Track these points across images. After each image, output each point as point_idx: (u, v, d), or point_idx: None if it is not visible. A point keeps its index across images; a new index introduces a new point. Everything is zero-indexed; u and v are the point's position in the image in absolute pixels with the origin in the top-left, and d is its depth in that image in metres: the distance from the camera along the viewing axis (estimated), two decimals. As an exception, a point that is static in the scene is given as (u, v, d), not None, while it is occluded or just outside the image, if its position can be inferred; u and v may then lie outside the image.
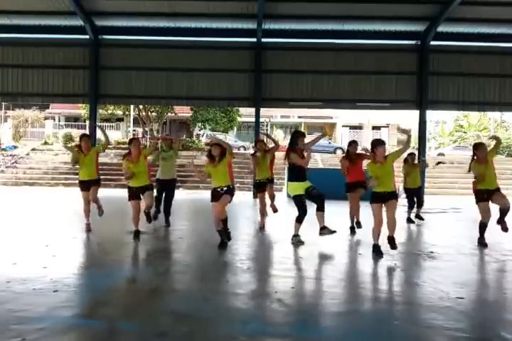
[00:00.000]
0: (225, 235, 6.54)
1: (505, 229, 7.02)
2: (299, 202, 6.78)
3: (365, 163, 7.98)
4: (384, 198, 6.10)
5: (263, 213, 8.46)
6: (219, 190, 6.41)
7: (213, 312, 3.92)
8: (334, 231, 6.77)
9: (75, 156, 7.56)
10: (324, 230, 6.77)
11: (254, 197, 14.71)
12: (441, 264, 5.82)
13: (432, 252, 6.46)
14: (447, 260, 6.06)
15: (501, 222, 7.03)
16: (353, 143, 8.15)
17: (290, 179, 6.89)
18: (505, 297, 4.59)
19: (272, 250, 6.88)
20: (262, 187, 8.31)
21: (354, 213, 8.03)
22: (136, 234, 7.09)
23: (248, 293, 4.55)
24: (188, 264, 5.88)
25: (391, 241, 6.18)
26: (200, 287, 4.73)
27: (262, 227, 8.34)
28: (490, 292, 4.92)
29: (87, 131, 21.64)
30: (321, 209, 6.75)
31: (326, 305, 4.16)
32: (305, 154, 6.83)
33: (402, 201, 9.81)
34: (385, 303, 4.23)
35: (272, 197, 8.48)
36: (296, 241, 6.84)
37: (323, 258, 6.10)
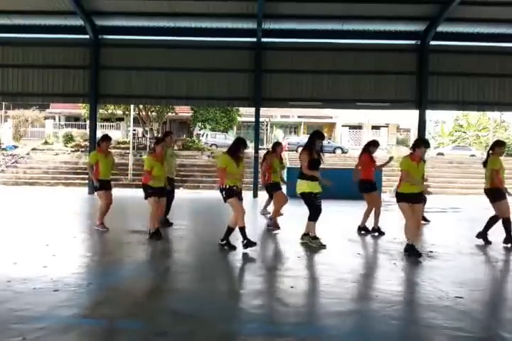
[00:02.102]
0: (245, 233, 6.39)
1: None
2: (311, 199, 6.70)
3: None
4: (411, 199, 6.08)
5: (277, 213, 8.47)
6: (235, 188, 6.32)
7: (213, 312, 3.94)
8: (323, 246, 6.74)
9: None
10: (306, 237, 6.84)
11: (256, 196, 14.77)
12: (441, 264, 5.83)
13: (431, 252, 6.47)
14: (447, 259, 6.08)
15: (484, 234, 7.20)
16: (376, 144, 8.09)
17: (303, 177, 6.75)
18: (504, 296, 4.61)
19: (272, 250, 6.89)
20: (277, 188, 8.37)
21: (369, 214, 7.93)
22: (156, 233, 7.16)
23: (248, 293, 4.57)
24: (188, 264, 5.89)
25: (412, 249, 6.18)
26: (200, 286, 4.74)
27: (275, 226, 8.31)
28: (489, 291, 4.93)
29: (87, 131, 21.66)
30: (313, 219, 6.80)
31: (326, 305, 4.17)
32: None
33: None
34: (385, 303, 4.24)
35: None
36: (318, 245, 6.65)
37: (323, 257, 6.11)
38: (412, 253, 6.11)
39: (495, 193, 7.00)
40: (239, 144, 6.37)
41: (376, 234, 7.82)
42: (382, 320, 3.82)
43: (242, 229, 6.30)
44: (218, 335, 3.48)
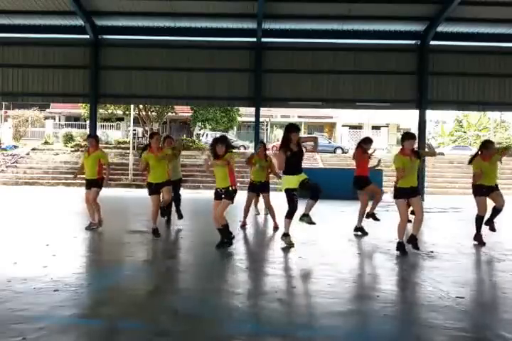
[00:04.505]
0: (225, 234, 6.50)
1: (493, 229, 7.22)
2: (290, 196, 6.59)
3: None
4: (409, 194, 6.19)
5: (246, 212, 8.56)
6: (219, 190, 6.40)
7: (213, 312, 3.93)
8: (313, 223, 6.68)
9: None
10: (305, 217, 6.67)
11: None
12: (441, 264, 5.83)
13: (431, 252, 6.46)
14: (447, 259, 6.07)
15: (490, 222, 7.21)
16: (369, 143, 8.03)
17: (283, 172, 6.68)
18: (505, 296, 4.60)
19: (271, 249, 6.88)
20: (253, 189, 8.48)
21: (364, 211, 7.89)
22: (155, 231, 7.20)
23: (248, 293, 4.56)
24: (188, 264, 5.89)
25: (414, 240, 6.29)
26: (200, 286, 4.74)
27: (243, 226, 8.39)
28: (490, 291, 4.92)
29: (87, 131, 21.66)
30: (314, 198, 6.60)
31: (326, 305, 4.17)
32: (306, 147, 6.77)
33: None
34: (385, 303, 4.23)
35: (270, 209, 8.49)
36: (288, 243, 6.61)
37: (323, 257, 6.10)
38: (402, 251, 6.21)
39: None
40: (213, 144, 6.34)
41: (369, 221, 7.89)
42: (382, 320, 3.81)
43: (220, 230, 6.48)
44: (218, 335, 3.47)
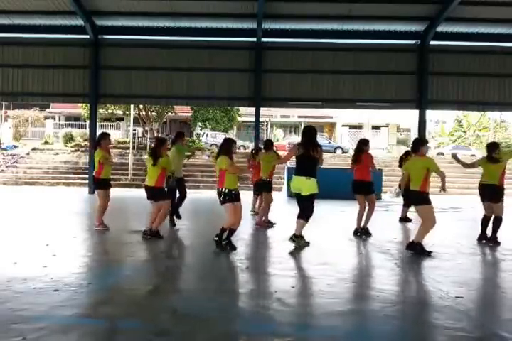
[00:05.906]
0: (221, 236, 6.35)
1: None
2: (313, 201, 6.58)
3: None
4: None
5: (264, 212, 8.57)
6: (233, 192, 6.16)
7: (214, 312, 3.93)
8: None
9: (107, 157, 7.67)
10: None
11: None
12: (441, 264, 5.83)
13: (431, 252, 6.47)
14: (447, 259, 6.08)
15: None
16: (368, 143, 8.07)
17: (313, 175, 6.50)
18: (505, 296, 4.60)
19: (271, 249, 6.88)
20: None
21: (362, 216, 7.83)
22: (157, 234, 7.14)
23: (248, 293, 4.56)
24: (189, 263, 5.89)
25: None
26: (201, 286, 4.74)
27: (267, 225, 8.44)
28: (489, 291, 4.93)
29: (87, 131, 21.68)
30: None
31: (326, 305, 4.17)
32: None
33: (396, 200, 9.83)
34: (385, 303, 4.23)
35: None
36: (303, 244, 6.53)
37: (323, 257, 6.10)
38: (426, 252, 6.24)
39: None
40: (231, 143, 6.25)
41: (363, 236, 7.71)
42: (382, 320, 3.82)
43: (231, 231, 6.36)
44: (218, 335, 3.48)
